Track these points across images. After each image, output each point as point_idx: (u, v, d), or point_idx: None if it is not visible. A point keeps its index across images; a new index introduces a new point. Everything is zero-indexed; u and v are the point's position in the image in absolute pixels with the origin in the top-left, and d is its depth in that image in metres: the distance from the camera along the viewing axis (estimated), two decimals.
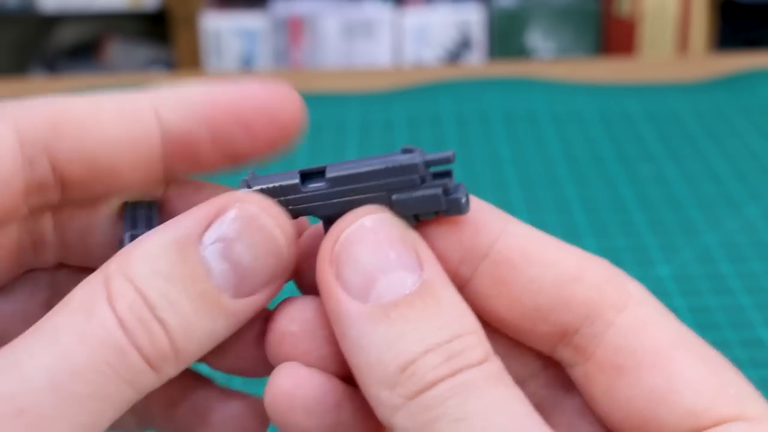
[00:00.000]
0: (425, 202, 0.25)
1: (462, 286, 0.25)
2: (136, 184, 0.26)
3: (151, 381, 0.23)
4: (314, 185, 0.26)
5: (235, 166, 0.26)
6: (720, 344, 0.47)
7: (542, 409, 0.25)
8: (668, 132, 0.68)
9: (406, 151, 0.25)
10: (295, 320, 0.25)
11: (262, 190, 0.26)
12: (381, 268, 0.24)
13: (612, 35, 1.67)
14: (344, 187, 0.25)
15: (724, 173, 0.62)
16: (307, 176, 0.26)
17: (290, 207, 0.26)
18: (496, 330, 0.26)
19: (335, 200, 0.25)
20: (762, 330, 0.48)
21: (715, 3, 1.65)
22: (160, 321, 0.23)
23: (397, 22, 1.64)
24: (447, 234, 0.25)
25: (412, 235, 0.25)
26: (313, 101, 0.73)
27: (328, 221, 0.26)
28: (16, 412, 0.22)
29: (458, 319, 0.24)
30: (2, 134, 0.24)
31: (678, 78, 0.76)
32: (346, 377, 0.25)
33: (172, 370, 0.24)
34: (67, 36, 1.79)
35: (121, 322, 0.23)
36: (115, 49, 1.73)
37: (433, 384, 0.22)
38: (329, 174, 0.26)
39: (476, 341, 0.23)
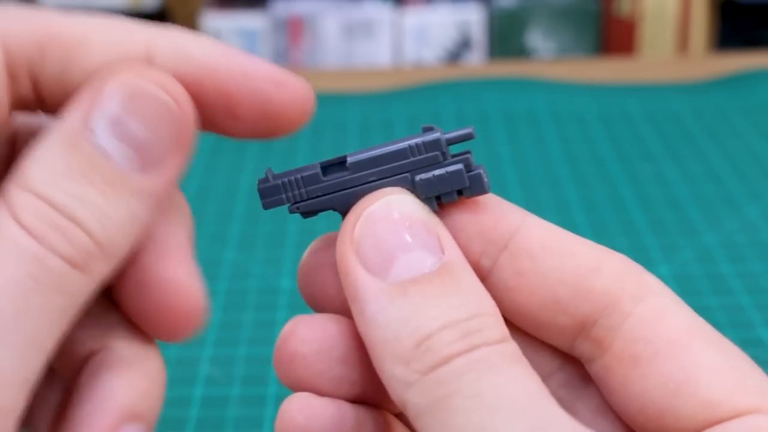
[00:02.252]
0: (448, 179, 0.25)
1: (483, 278, 0.25)
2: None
3: (81, 282, 0.22)
4: (335, 175, 0.26)
5: (210, 132, 0.25)
6: None
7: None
8: (668, 132, 0.68)
9: (426, 130, 0.26)
10: (306, 341, 0.25)
11: (282, 183, 0.26)
12: (402, 247, 0.24)
13: (612, 35, 1.67)
14: (366, 172, 0.25)
15: (724, 173, 0.62)
16: (327, 167, 0.26)
17: (311, 199, 0.26)
18: (515, 327, 0.26)
19: (358, 187, 0.25)
20: (762, 330, 0.48)
21: (715, 3, 1.65)
22: (72, 218, 0.22)
23: (397, 22, 1.64)
24: (468, 225, 0.25)
25: (435, 220, 0.25)
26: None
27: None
28: None
29: (477, 299, 0.23)
30: None
31: (678, 78, 0.76)
32: (359, 399, 0.25)
33: (103, 266, 0.22)
34: None
35: (30, 232, 0.22)
36: None
37: (448, 359, 0.22)
38: (350, 160, 0.26)
39: (494, 322, 0.23)
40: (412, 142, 0.25)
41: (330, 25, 1.63)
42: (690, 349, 0.24)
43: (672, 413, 0.23)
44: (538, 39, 1.67)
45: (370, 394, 0.25)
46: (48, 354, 0.22)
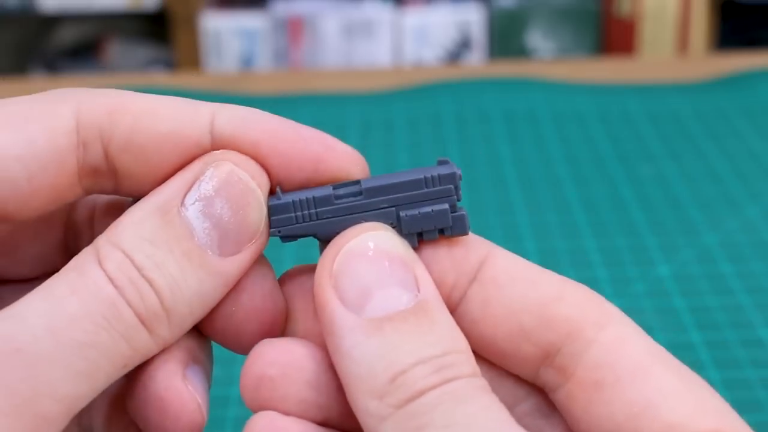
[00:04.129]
0: (433, 217, 0.26)
1: (452, 310, 0.26)
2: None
3: (145, 341, 0.24)
4: (348, 198, 0.26)
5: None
6: (720, 344, 0.47)
7: None
8: (668, 132, 0.68)
9: (441, 163, 0.26)
10: (274, 364, 0.25)
11: (293, 202, 0.26)
12: (379, 284, 0.24)
13: (612, 35, 1.67)
14: (379, 198, 0.26)
15: (724, 173, 0.62)
16: (340, 189, 0.26)
17: (322, 219, 0.26)
18: (481, 359, 0.26)
19: (369, 212, 0.26)
20: (762, 330, 0.48)
21: (715, 3, 1.65)
22: (148, 280, 0.24)
23: (397, 22, 1.64)
24: (443, 258, 0.26)
25: (412, 256, 0.25)
26: (313, 101, 0.73)
27: None
28: (13, 350, 0.22)
29: (450, 337, 0.24)
30: (61, 113, 0.25)
31: (678, 78, 0.76)
32: (326, 423, 0.25)
33: (165, 332, 0.24)
34: (67, 36, 1.79)
35: (112, 280, 0.23)
36: (115, 49, 1.73)
37: (421, 393, 0.23)
38: (365, 185, 0.26)
39: (466, 359, 0.24)
40: (428, 174, 0.26)
41: (330, 25, 1.63)
42: (651, 375, 0.24)
43: None
44: (538, 39, 1.67)
45: (337, 418, 0.25)
46: (95, 393, 0.23)
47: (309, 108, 0.72)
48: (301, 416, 0.25)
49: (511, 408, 0.26)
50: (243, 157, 0.25)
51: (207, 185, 0.25)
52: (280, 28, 1.63)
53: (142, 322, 0.24)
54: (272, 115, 0.26)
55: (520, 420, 0.26)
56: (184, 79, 0.89)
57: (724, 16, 1.69)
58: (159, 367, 0.25)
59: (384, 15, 1.64)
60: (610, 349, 0.25)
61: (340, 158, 0.26)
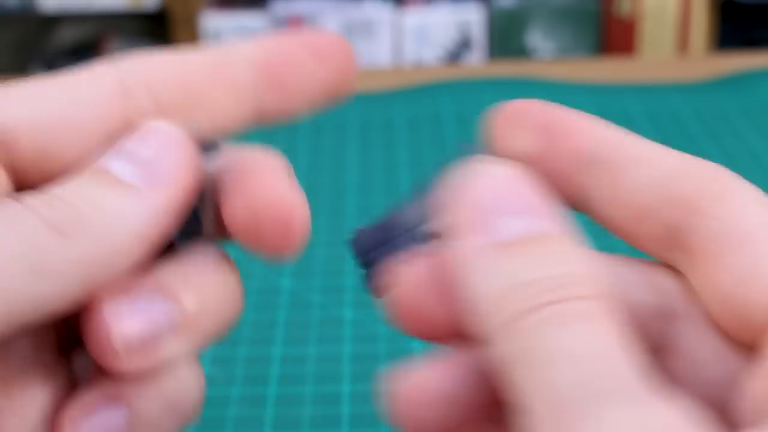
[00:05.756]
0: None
1: (575, 197, 0.26)
2: (229, 114, 0.28)
3: (55, 244, 0.24)
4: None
5: (318, 101, 0.29)
6: None
7: (663, 331, 0.26)
8: (668, 132, 0.68)
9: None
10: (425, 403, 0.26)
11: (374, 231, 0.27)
12: (505, 210, 0.24)
13: (612, 35, 1.67)
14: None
15: None
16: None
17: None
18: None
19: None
20: None
21: (715, 3, 1.65)
22: (61, 198, 0.25)
23: (397, 22, 1.64)
24: (557, 152, 0.27)
25: (535, 183, 0.25)
26: None
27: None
28: None
29: (575, 260, 0.24)
30: (103, 72, 0.27)
31: (678, 78, 0.76)
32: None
33: (83, 240, 0.24)
34: (67, 36, 1.79)
35: (22, 200, 0.24)
36: (115, 49, 1.73)
37: (536, 308, 0.22)
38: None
39: (591, 280, 0.23)
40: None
41: (330, 25, 1.63)
42: (760, 242, 0.24)
43: (746, 305, 0.24)
44: (538, 39, 1.67)
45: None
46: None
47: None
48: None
49: (641, 306, 0.26)
50: (163, 120, 0.26)
51: (131, 143, 0.26)
52: (280, 28, 1.63)
53: (50, 224, 0.24)
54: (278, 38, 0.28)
55: (649, 322, 0.26)
56: None
57: (724, 16, 1.69)
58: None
59: (384, 15, 1.64)
60: (726, 220, 0.25)
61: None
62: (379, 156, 0.65)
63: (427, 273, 0.26)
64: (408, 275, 0.26)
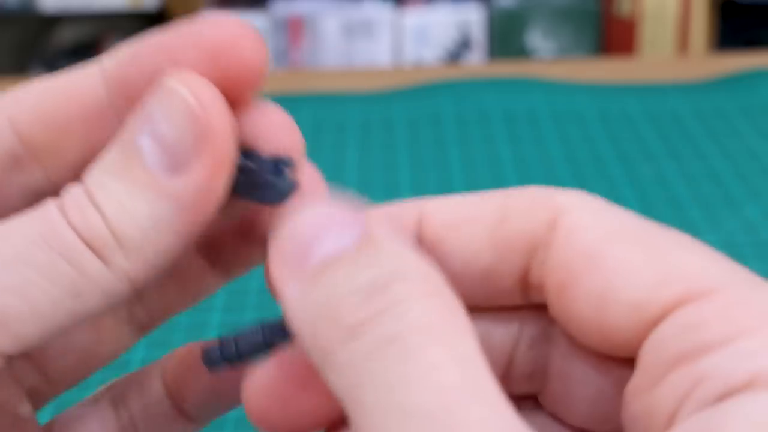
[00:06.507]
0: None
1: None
2: (95, 134, 0.26)
3: (97, 267, 0.23)
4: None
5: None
6: None
7: (537, 361, 0.25)
8: (668, 132, 0.68)
9: None
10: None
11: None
12: (316, 234, 0.22)
13: (612, 35, 1.67)
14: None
15: (724, 173, 0.62)
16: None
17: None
18: (473, 309, 0.24)
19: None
20: None
21: (715, 3, 1.65)
22: (96, 205, 0.23)
23: (397, 22, 1.64)
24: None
25: (349, 205, 0.23)
26: (313, 101, 0.73)
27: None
28: None
29: (398, 257, 0.21)
30: None
31: (678, 78, 0.76)
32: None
33: (122, 260, 0.23)
34: (67, 36, 1.79)
35: (60, 206, 0.23)
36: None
37: (354, 331, 0.20)
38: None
39: (419, 273, 0.21)
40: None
41: (330, 25, 1.63)
42: (605, 258, 0.22)
43: (607, 327, 0.22)
44: (538, 39, 1.67)
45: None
46: (39, 316, 0.23)
47: (309, 108, 0.72)
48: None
49: (515, 342, 0.25)
50: (186, 73, 0.24)
51: (152, 106, 0.23)
52: (280, 27, 1.63)
53: (88, 244, 0.23)
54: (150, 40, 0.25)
55: (524, 353, 0.25)
56: None
57: (724, 16, 1.69)
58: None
59: (384, 15, 1.64)
60: (563, 245, 0.23)
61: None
62: (379, 156, 0.65)
63: (274, 374, 0.23)
64: (255, 380, 0.24)
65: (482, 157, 0.64)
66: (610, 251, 0.22)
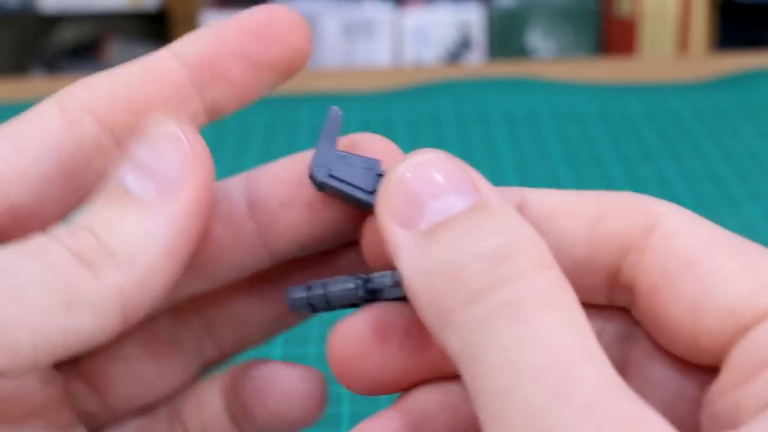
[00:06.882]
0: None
1: None
2: (179, 111, 0.27)
3: (86, 278, 0.23)
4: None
5: (265, 83, 0.27)
6: None
7: (621, 359, 0.25)
8: (668, 132, 0.68)
9: None
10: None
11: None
12: (431, 194, 0.23)
13: (612, 35, 1.67)
14: None
15: (724, 173, 0.62)
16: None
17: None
18: None
19: None
20: None
21: (715, 3, 1.65)
22: (86, 227, 0.24)
23: (397, 22, 1.64)
24: None
25: (465, 165, 0.24)
26: (313, 101, 0.73)
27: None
28: None
29: (514, 226, 0.22)
30: (43, 109, 0.26)
31: (678, 78, 0.76)
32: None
33: (113, 271, 0.23)
34: (67, 36, 1.79)
35: (50, 232, 0.24)
36: (115, 49, 1.73)
37: (479, 294, 0.21)
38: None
39: (531, 248, 0.22)
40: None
41: (330, 25, 1.63)
42: (702, 264, 0.23)
43: (700, 332, 0.23)
44: (538, 39, 1.67)
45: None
46: (32, 327, 0.22)
47: (309, 108, 0.72)
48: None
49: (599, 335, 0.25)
50: (168, 118, 0.25)
51: (138, 150, 0.25)
52: None
53: (78, 256, 0.23)
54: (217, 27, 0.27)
55: (606, 349, 0.25)
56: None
57: (724, 16, 1.69)
58: None
59: (384, 15, 1.64)
60: (660, 250, 0.24)
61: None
62: None
63: (364, 327, 0.25)
64: (344, 331, 0.25)
65: (482, 157, 0.64)
66: (707, 259, 0.23)
